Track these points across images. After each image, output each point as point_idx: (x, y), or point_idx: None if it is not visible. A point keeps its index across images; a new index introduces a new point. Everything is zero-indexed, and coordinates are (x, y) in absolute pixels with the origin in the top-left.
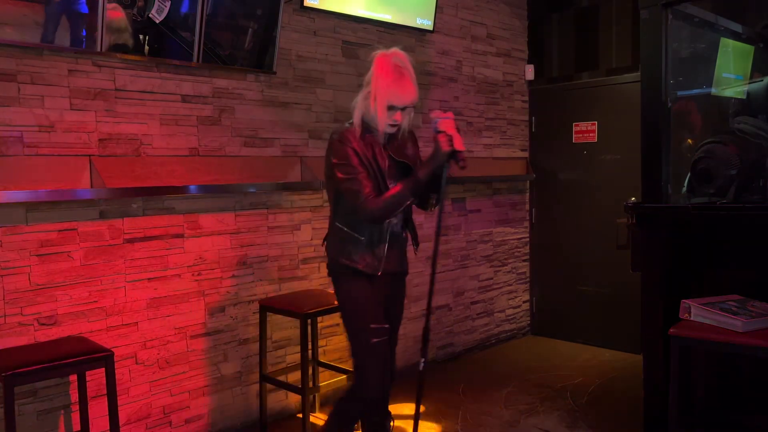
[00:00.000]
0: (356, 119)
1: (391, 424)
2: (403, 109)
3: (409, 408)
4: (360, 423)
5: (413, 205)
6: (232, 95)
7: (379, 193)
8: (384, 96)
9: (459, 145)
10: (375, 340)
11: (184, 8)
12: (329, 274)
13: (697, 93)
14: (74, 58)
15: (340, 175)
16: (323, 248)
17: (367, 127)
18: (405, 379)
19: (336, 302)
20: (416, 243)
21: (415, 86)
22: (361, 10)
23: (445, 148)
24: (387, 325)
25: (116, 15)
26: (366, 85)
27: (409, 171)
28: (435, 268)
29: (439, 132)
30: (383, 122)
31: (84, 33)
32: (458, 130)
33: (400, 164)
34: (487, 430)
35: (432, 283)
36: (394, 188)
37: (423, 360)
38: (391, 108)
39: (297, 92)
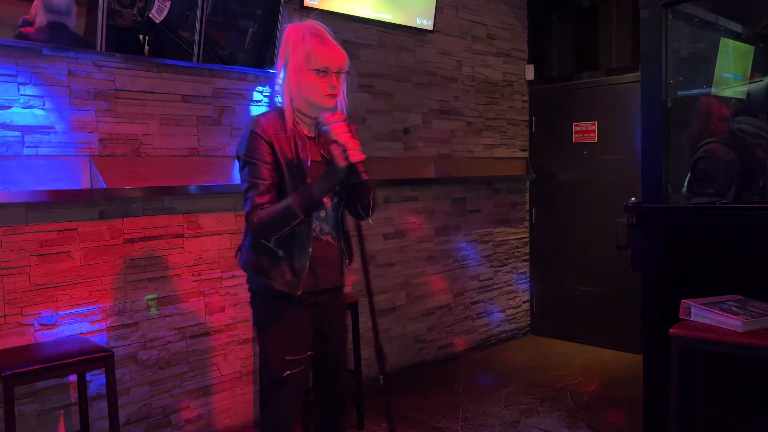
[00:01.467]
0: (285, 101)
1: None
2: (337, 73)
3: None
4: None
5: (347, 212)
6: (232, 95)
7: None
8: (313, 58)
9: (356, 155)
10: (290, 372)
11: (184, 8)
12: (250, 290)
13: (697, 93)
14: (74, 58)
15: (241, 172)
16: (235, 261)
17: (294, 114)
18: (404, 379)
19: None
20: (350, 257)
21: (344, 51)
22: (361, 10)
23: (341, 162)
24: (308, 354)
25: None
26: (285, 66)
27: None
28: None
29: (332, 142)
30: (320, 92)
31: (84, 33)
32: (353, 132)
33: (330, 163)
34: (487, 430)
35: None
36: (281, 203)
37: (380, 376)
38: (323, 72)
39: None
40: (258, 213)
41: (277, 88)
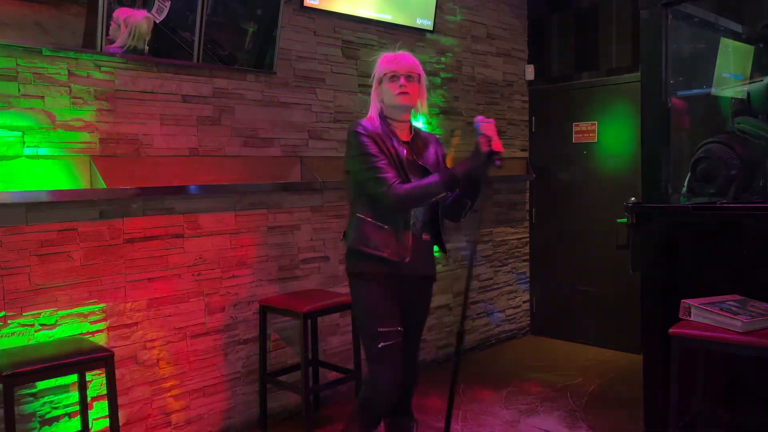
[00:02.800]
0: (372, 110)
1: (415, 426)
2: (407, 77)
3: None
4: (384, 425)
5: (445, 217)
6: (232, 95)
7: (402, 181)
8: (383, 68)
9: (497, 146)
10: (383, 344)
11: (184, 8)
12: (347, 271)
13: (697, 93)
14: (74, 58)
15: (359, 165)
16: (342, 243)
17: (384, 120)
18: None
19: (348, 301)
20: (444, 249)
21: (415, 59)
22: (361, 10)
23: (484, 148)
24: (399, 328)
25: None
26: (373, 83)
27: (428, 175)
28: (470, 280)
29: (480, 135)
30: (392, 93)
31: (84, 33)
32: (498, 133)
33: (419, 167)
34: (487, 430)
35: (466, 294)
36: (427, 178)
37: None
38: (393, 77)
39: (297, 92)
40: (400, 186)
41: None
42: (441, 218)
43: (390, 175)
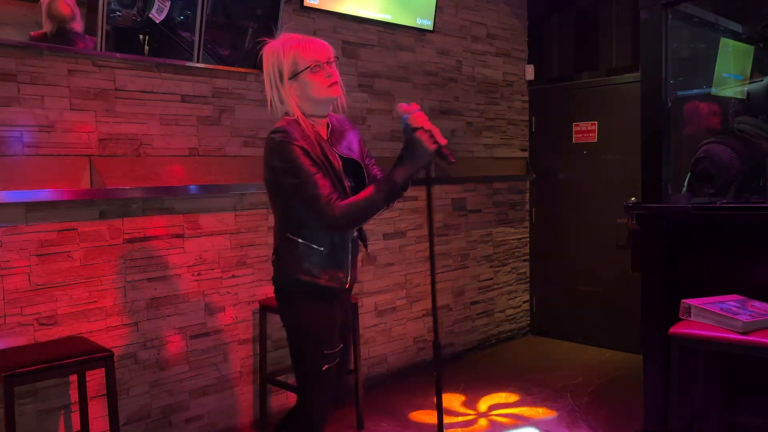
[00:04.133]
0: (294, 111)
1: None
2: (329, 63)
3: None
4: None
5: None
6: (232, 95)
7: (340, 195)
8: (302, 59)
9: (441, 137)
10: (327, 366)
11: (184, 8)
12: (277, 295)
13: (697, 93)
14: (74, 58)
15: (289, 180)
16: (271, 265)
17: (312, 120)
18: (404, 379)
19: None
20: (366, 243)
21: (324, 41)
22: (361, 10)
23: (430, 146)
24: (340, 346)
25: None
26: (277, 79)
27: (359, 169)
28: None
29: (415, 129)
30: (322, 86)
31: (84, 33)
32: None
33: (348, 161)
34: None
35: (434, 294)
36: (364, 192)
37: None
38: (317, 66)
39: None
40: (338, 205)
41: (279, 105)
42: None
43: (326, 191)
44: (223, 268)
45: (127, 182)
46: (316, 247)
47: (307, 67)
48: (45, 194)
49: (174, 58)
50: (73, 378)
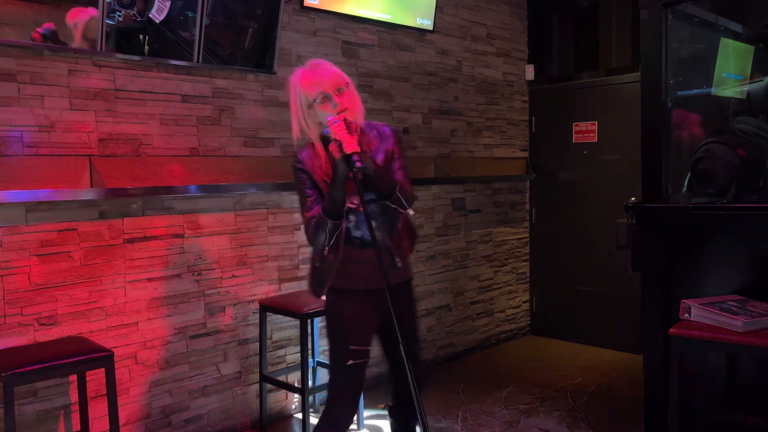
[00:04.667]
0: (312, 136)
1: None
2: (338, 91)
3: None
4: None
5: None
6: (232, 95)
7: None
8: (308, 93)
9: (348, 146)
10: (353, 362)
11: (184, 8)
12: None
13: (697, 93)
14: (74, 58)
15: (298, 198)
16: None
17: (326, 142)
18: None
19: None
20: (400, 255)
21: (335, 68)
22: (361, 10)
23: (337, 155)
24: (369, 348)
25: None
26: (299, 108)
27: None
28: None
29: (331, 141)
30: (330, 116)
31: (84, 33)
32: (349, 129)
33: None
34: (487, 430)
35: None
36: (316, 213)
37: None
38: (322, 99)
39: None
40: (308, 224)
41: (306, 131)
42: (387, 224)
43: (310, 213)
44: (223, 268)
45: (127, 182)
46: (322, 254)
47: (315, 100)
48: (45, 194)
49: (174, 58)
50: (73, 378)
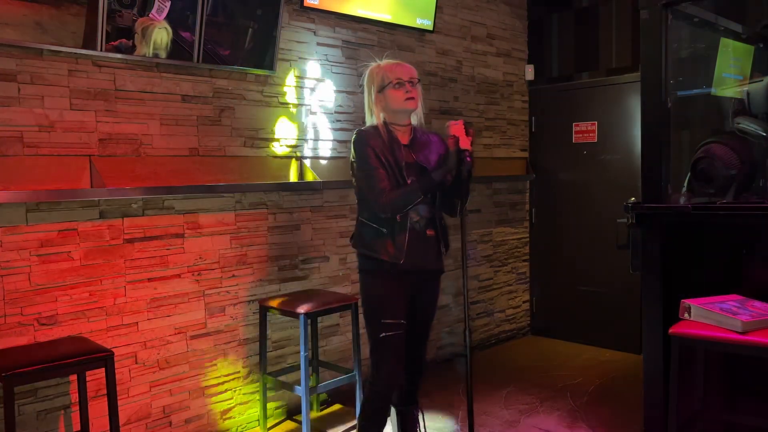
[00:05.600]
0: (377, 119)
1: (420, 413)
2: (410, 82)
3: None
4: (396, 414)
5: (443, 211)
6: (232, 95)
7: (393, 188)
8: (388, 76)
9: (464, 144)
10: (384, 334)
11: (184, 8)
12: (358, 268)
13: (697, 93)
14: (74, 58)
15: (360, 173)
16: (351, 245)
17: (387, 126)
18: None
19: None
20: (446, 245)
21: (412, 66)
22: (361, 10)
23: (452, 148)
24: (403, 321)
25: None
26: (372, 92)
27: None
28: (465, 274)
29: (449, 137)
30: (400, 99)
31: (84, 33)
32: (468, 132)
33: (418, 167)
34: (487, 430)
35: (465, 287)
36: (408, 185)
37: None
38: (399, 84)
39: (297, 92)
40: (387, 195)
41: (369, 115)
42: (441, 216)
43: (383, 185)
44: (223, 268)
45: (127, 182)
46: (379, 227)
47: (390, 83)
48: (45, 194)
49: (174, 58)
50: (73, 378)
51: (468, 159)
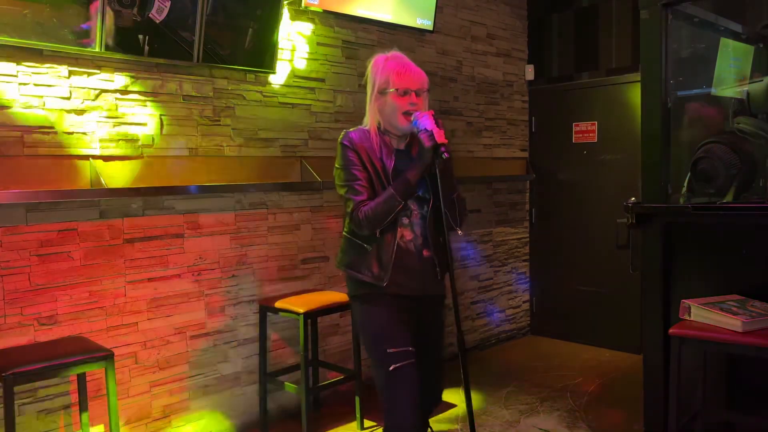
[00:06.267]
0: (370, 120)
1: None
2: (418, 93)
3: None
4: None
5: (445, 228)
6: (232, 95)
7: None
8: (393, 82)
9: (440, 137)
10: (394, 366)
11: (184, 8)
12: (348, 294)
13: (697, 93)
14: (74, 58)
15: (339, 179)
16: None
17: (380, 131)
18: None
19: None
20: (443, 269)
21: (422, 71)
22: (361, 10)
23: (427, 143)
24: (410, 349)
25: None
26: (371, 89)
27: (433, 182)
28: (454, 284)
29: (420, 131)
30: (400, 110)
31: (84, 33)
32: (438, 123)
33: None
34: (487, 430)
35: (455, 302)
36: (383, 193)
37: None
38: (405, 92)
39: (297, 92)
40: (362, 209)
41: (367, 109)
42: (446, 230)
43: (360, 197)
44: (223, 268)
45: (127, 182)
46: (361, 243)
47: (396, 89)
48: (45, 194)
49: (174, 58)
50: (73, 378)
51: (446, 154)
